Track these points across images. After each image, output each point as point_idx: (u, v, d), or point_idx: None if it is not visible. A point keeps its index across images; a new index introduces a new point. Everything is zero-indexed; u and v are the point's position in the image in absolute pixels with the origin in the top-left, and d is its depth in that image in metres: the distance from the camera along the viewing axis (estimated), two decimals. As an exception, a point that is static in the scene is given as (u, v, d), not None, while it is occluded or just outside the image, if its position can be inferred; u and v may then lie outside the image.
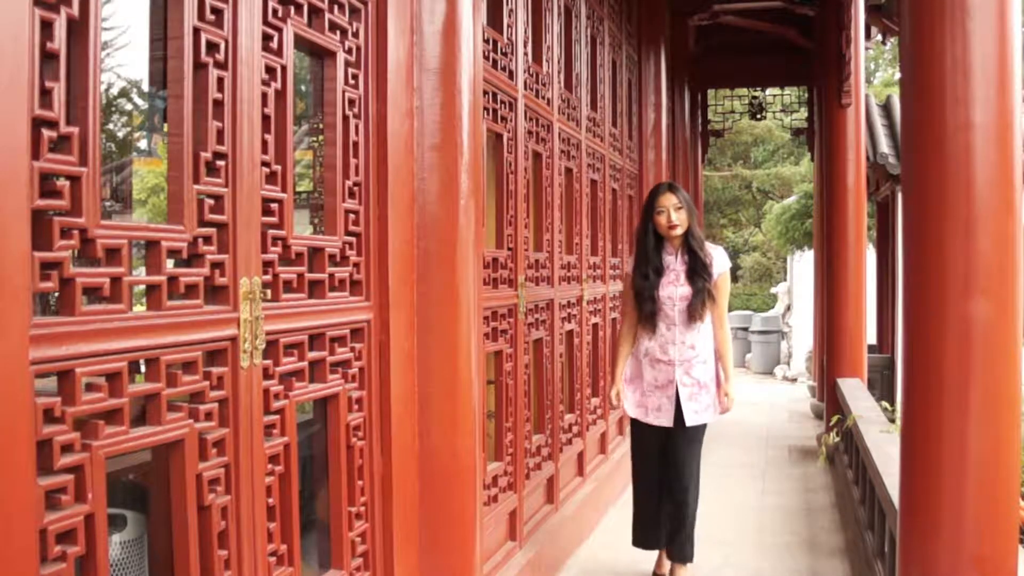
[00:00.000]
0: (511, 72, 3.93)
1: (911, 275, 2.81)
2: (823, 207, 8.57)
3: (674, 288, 4.00)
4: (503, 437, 3.91)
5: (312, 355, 2.22)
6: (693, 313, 3.96)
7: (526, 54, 4.17)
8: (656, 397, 4.07)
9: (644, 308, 4.04)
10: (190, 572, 1.78)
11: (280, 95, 2.05)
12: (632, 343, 4.17)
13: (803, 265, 13.71)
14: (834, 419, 6.50)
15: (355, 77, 2.42)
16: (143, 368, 1.70)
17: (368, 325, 2.46)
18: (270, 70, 2.02)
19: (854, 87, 7.48)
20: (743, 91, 12.06)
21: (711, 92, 12.13)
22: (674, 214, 3.96)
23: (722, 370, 4.13)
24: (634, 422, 4.21)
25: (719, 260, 4.04)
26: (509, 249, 3.92)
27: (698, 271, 3.97)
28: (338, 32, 2.34)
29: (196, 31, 1.78)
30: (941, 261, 2.66)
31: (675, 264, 4.04)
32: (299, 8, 2.16)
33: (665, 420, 4.05)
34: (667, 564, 4.27)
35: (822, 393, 8.47)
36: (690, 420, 4.01)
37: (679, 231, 3.99)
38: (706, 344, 4.06)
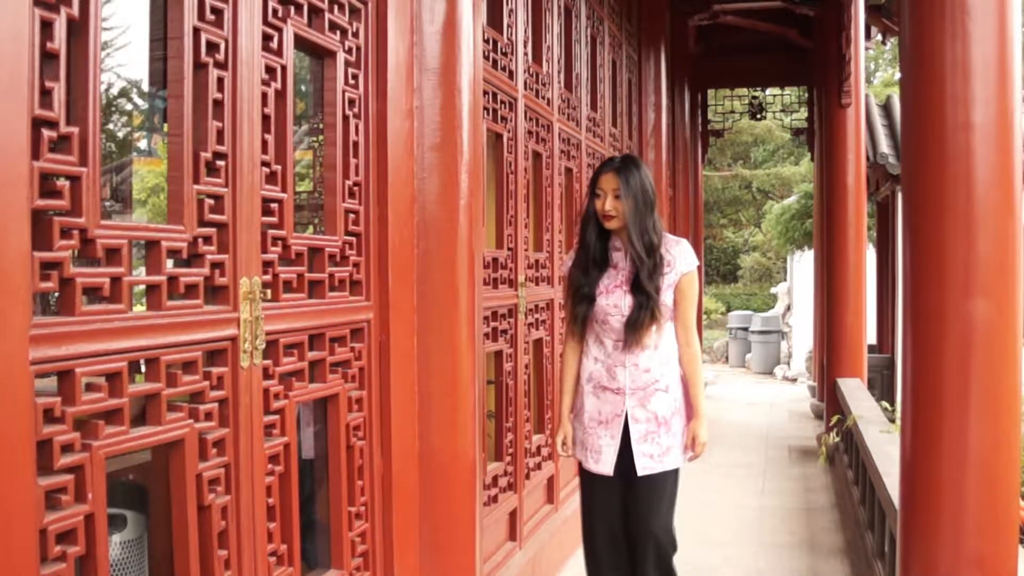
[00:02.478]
0: (511, 72, 3.93)
1: (911, 275, 2.81)
2: (823, 207, 8.57)
3: (621, 294, 2.99)
4: (503, 437, 3.91)
5: (312, 355, 2.22)
6: (630, 336, 2.97)
7: (526, 54, 4.17)
8: (596, 436, 3.05)
9: (578, 310, 3.06)
10: (190, 572, 1.78)
11: (280, 95, 2.05)
12: (578, 365, 3.18)
13: (803, 265, 13.72)
14: (834, 419, 6.51)
15: (355, 77, 2.42)
16: (143, 368, 1.70)
17: (368, 325, 2.46)
18: (270, 70, 2.02)
19: (854, 87, 7.49)
20: (743, 91, 12.07)
21: (711, 92, 12.15)
22: (611, 201, 2.96)
23: (691, 400, 3.09)
24: (580, 465, 3.19)
25: (682, 258, 3.03)
26: (509, 249, 3.92)
27: (641, 282, 2.96)
28: (338, 32, 2.34)
29: (196, 31, 1.78)
30: (941, 261, 2.67)
31: (623, 262, 3.04)
32: (299, 8, 2.16)
33: (605, 467, 3.01)
34: None
35: (822, 393, 8.48)
36: (643, 468, 2.97)
37: (614, 224, 2.99)
38: (668, 364, 3.04)
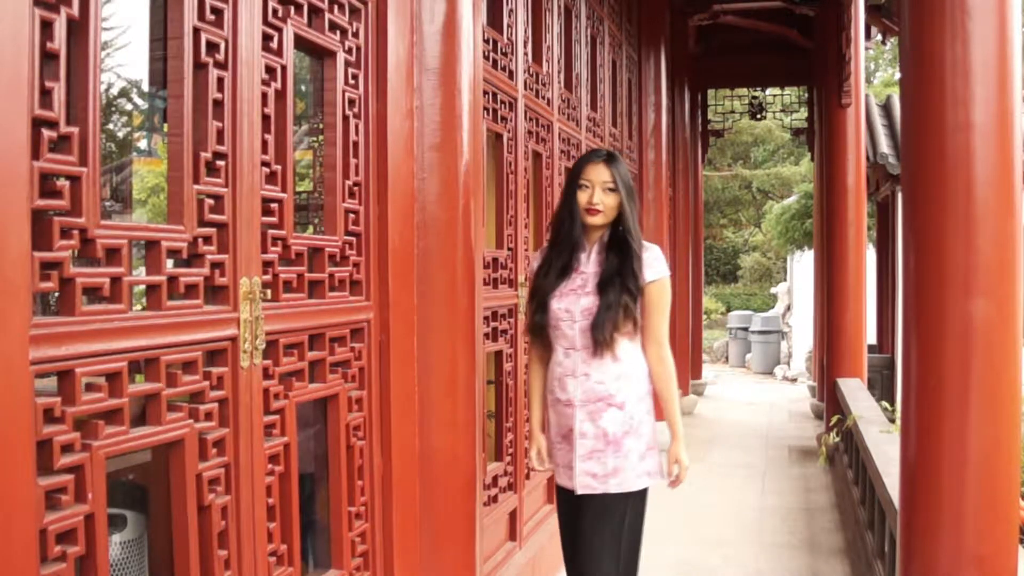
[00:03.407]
0: (511, 72, 3.93)
1: (911, 275, 2.81)
2: (823, 207, 8.57)
3: (575, 298, 2.75)
4: (503, 437, 3.92)
5: (312, 355, 2.22)
6: (596, 336, 2.70)
7: (526, 54, 4.17)
8: (564, 450, 2.83)
9: (533, 318, 2.84)
10: (190, 572, 1.78)
11: (280, 95, 2.05)
12: (544, 376, 2.95)
13: (803, 265, 13.72)
14: (834, 419, 6.51)
15: (355, 77, 2.42)
16: (143, 368, 1.70)
17: (368, 325, 2.46)
18: (270, 70, 2.02)
19: (854, 87, 7.49)
20: (743, 91, 12.06)
21: (711, 92, 12.14)
22: (599, 194, 2.75)
23: (667, 422, 2.85)
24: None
25: (653, 264, 2.78)
26: (509, 249, 3.92)
27: (615, 279, 2.73)
28: (338, 32, 2.35)
29: (196, 31, 1.78)
30: (941, 261, 2.67)
31: (585, 265, 2.80)
32: (299, 8, 2.16)
33: (568, 481, 2.81)
34: None
35: (822, 393, 8.47)
36: (583, 487, 2.71)
37: (599, 219, 2.77)
38: (626, 379, 2.75)
